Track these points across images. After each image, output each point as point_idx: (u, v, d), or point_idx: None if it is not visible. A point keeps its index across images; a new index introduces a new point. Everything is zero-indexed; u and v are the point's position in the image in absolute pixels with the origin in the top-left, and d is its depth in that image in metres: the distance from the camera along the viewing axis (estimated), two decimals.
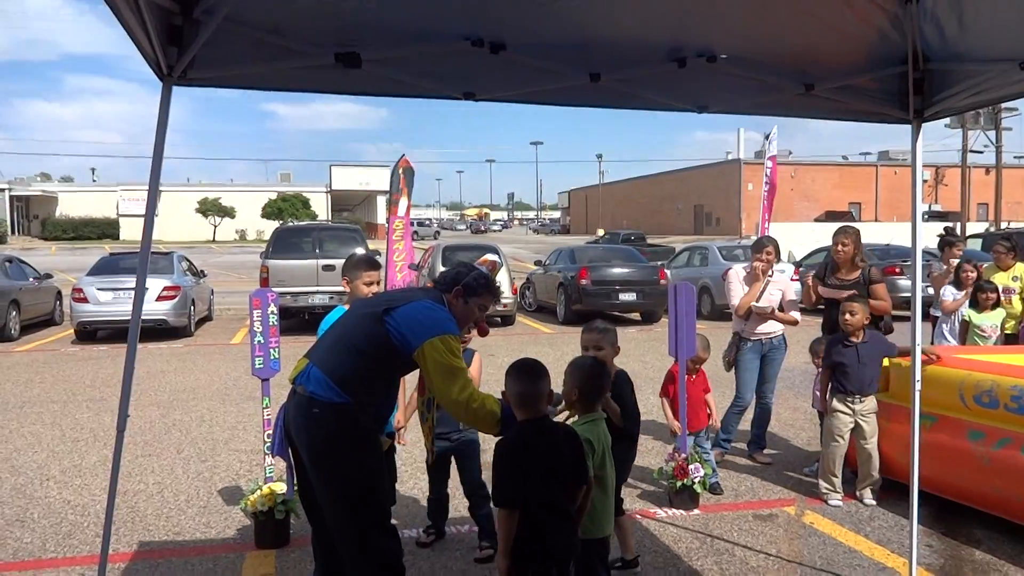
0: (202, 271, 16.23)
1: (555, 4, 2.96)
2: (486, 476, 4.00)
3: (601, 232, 51.69)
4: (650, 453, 6.29)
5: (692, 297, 5.15)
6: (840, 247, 5.75)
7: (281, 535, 4.46)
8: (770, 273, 6.03)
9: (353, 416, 2.97)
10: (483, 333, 3.97)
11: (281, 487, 4.31)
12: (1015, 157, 60.63)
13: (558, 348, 11.79)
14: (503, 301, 14.33)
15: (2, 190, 58.04)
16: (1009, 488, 4.33)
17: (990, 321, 6.70)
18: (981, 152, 41.80)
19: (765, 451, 6.16)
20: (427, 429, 3.45)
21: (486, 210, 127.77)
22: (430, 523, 4.55)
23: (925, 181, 54.96)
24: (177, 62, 2.90)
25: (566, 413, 3.17)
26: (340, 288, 4.36)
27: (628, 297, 14.95)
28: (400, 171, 9.25)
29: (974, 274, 7.10)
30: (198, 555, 4.41)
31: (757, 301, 5.92)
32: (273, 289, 5.31)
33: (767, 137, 12.08)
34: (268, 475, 4.49)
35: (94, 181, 74.14)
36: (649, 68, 3.51)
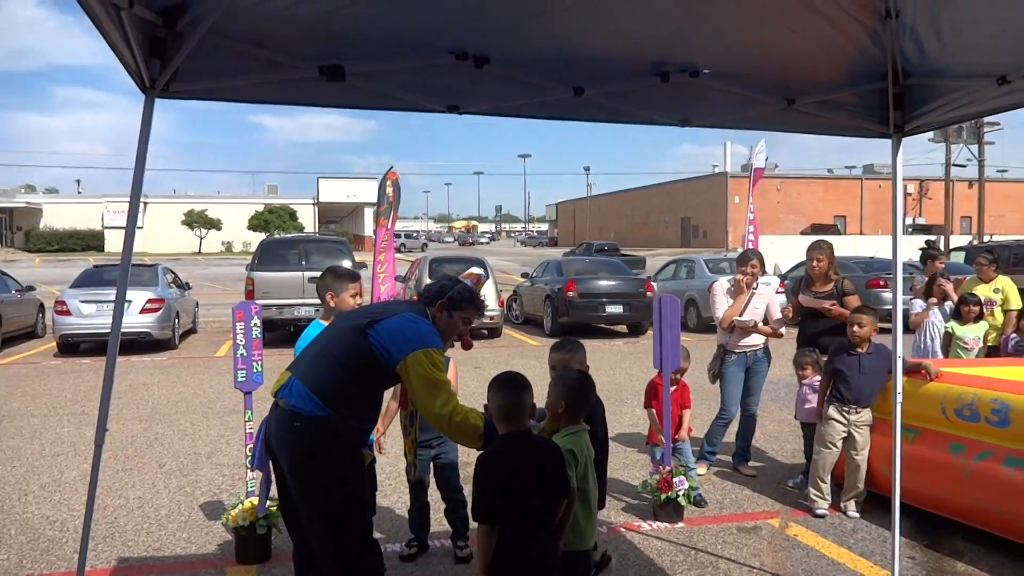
0: (187, 283, 16.12)
1: (539, 19, 2.98)
2: (465, 480, 3.99)
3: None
4: (634, 466, 6.29)
5: (677, 310, 5.16)
6: (815, 262, 5.84)
7: (263, 550, 4.42)
8: (755, 286, 6.07)
9: (335, 429, 2.95)
10: (467, 346, 3.96)
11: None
12: (997, 171, 61.43)
13: (545, 361, 11.71)
14: (490, 313, 14.32)
15: None
16: (990, 500, 4.35)
17: (972, 333, 6.76)
18: (964, 166, 42.30)
19: (750, 463, 6.16)
20: (409, 443, 3.44)
21: (474, 222, 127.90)
22: (412, 536, 4.53)
23: (909, 194, 55.52)
24: (160, 75, 2.90)
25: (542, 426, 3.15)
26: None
27: (615, 309, 14.98)
28: (388, 183, 9.26)
29: (949, 286, 7.18)
30: (178, 571, 4.36)
31: (741, 314, 5.95)
32: (258, 301, 5.28)
33: (753, 150, 12.19)
34: (250, 489, 4.45)
35: (79, 193, 73.71)
36: (633, 83, 3.54)
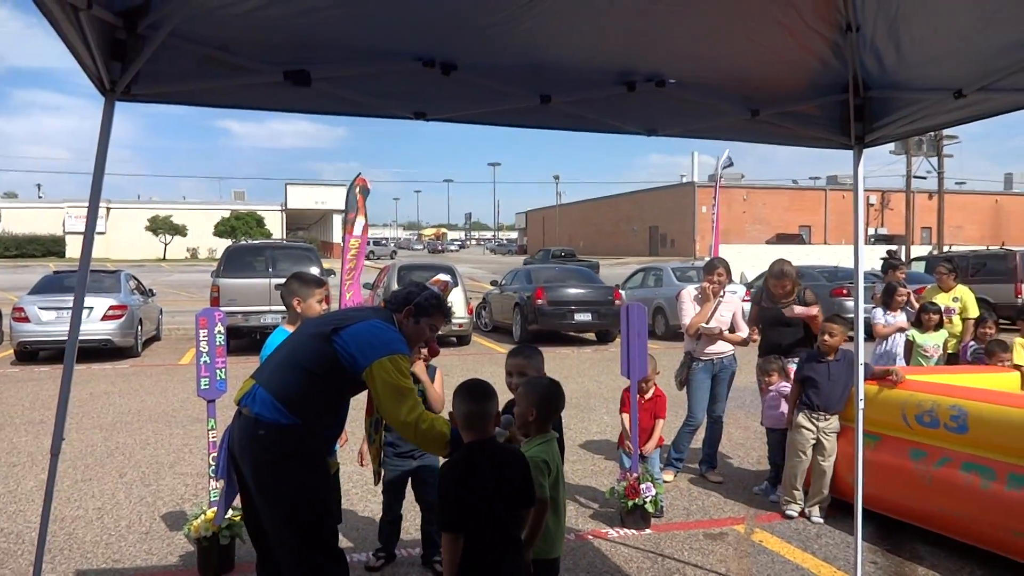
0: (151, 290, 15.86)
1: (506, 26, 2.99)
2: None
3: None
4: (602, 473, 6.30)
5: (644, 318, 5.19)
6: (780, 290, 5.91)
7: (225, 561, 4.34)
8: (721, 294, 6.12)
9: (300, 438, 2.92)
10: (434, 353, 3.93)
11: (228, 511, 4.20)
12: (956, 183, 62.84)
13: None
14: (459, 321, 14.28)
15: None
16: (950, 506, 4.43)
17: (932, 341, 6.89)
18: (924, 178, 43.21)
19: (716, 470, 6.21)
20: (374, 451, 3.41)
21: (443, 230, 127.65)
22: (380, 546, 4.48)
23: (872, 205, 56.59)
24: (120, 77, 2.85)
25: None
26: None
27: (583, 317, 15.04)
28: (356, 190, 9.21)
29: (905, 297, 7.29)
30: None
31: (707, 322, 6.01)
32: (224, 309, 5.21)
33: (719, 161, 12.34)
34: (213, 499, 4.38)
35: (40, 197, 72.18)
36: (599, 91, 3.55)
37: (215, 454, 4.19)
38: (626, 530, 4.99)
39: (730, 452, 6.91)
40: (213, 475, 4.26)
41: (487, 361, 12.94)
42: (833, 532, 4.94)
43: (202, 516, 4.26)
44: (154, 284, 18.90)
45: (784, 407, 5.54)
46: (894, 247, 20.81)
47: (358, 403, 3.26)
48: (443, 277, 3.79)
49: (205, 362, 4.42)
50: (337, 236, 56.74)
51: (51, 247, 58.71)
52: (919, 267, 19.12)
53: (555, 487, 2.96)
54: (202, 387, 4.43)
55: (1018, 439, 4.16)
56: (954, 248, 29.96)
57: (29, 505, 5.58)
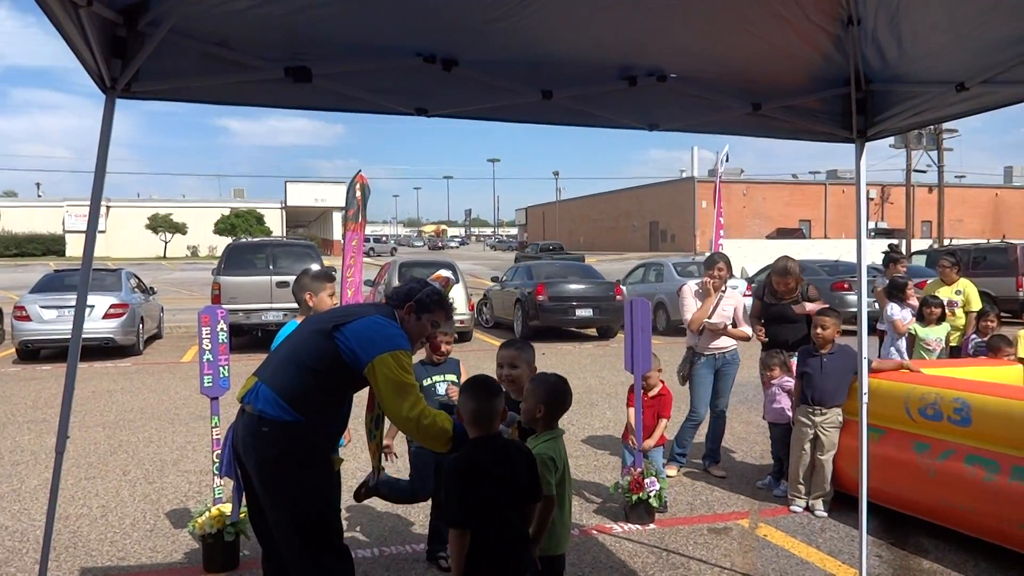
0: (152, 288, 15.86)
1: (507, 22, 2.98)
2: None
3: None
4: (606, 468, 6.30)
5: (647, 313, 5.19)
6: (783, 287, 5.92)
7: (230, 558, 4.34)
8: (723, 289, 6.12)
9: (303, 435, 2.92)
10: (435, 349, 3.93)
11: (230, 508, 4.20)
12: (956, 176, 62.78)
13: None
14: (460, 317, 14.27)
15: None
16: (954, 499, 4.43)
17: (935, 335, 6.89)
18: (924, 171, 43.13)
19: (719, 464, 6.21)
20: (374, 447, 3.40)
21: (443, 227, 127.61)
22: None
23: (872, 199, 56.52)
24: (121, 75, 2.84)
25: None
26: (294, 305, 4.28)
27: (585, 313, 15.03)
28: (356, 187, 9.20)
29: (914, 289, 7.31)
30: None
31: (710, 317, 6.00)
32: (225, 306, 5.21)
33: (719, 156, 12.33)
34: (217, 496, 4.38)
35: (39, 196, 72.19)
36: (601, 86, 3.55)
37: (219, 451, 4.20)
38: (630, 525, 4.99)
39: (733, 446, 6.91)
40: (217, 472, 4.26)
41: (488, 357, 12.91)
42: (838, 526, 4.94)
43: (207, 513, 4.27)
44: (155, 282, 18.90)
45: (785, 402, 5.55)
46: (895, 241, 20.80)
47: (361, 400, 3.26)
48: (444, 273, 3.77)
49: (208, 360, 4.42)
50: (337, 233, 56.76)
51: (51, 246, 58.74)
52: (920, 261, 19.11)
53: (561, 484, 2.96)
54: (205, 385, 4.43)
55: (1022, 432, 4.16)
56: (955, 241, 29.92)
57: (33, 503, 5.59)
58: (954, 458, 4.46)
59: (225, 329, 4.49)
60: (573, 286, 15.42)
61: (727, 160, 14.75)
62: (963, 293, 7.53)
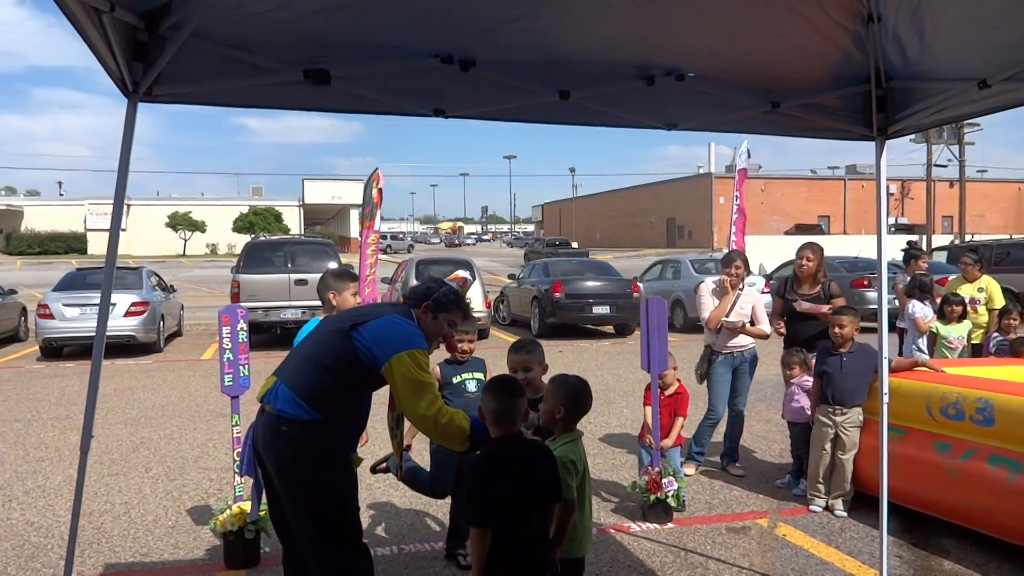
0: (172, 286, 16.01)
1: (524, 22, 2.98)
2: None
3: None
4: (623, 467, 6.30)
5: (664, 311, 5.17)
6: (805, 261, 5.89)
7: (251, 555, 4.39)
8: (740, 287, 6.09)
9: (322, 434, 2.94)
10: (452, 349, 3.95)
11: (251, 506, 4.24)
12: (977, 171, 62.00)
13: None
14: (476, 315, 14.30)
15: None
16: (975, 499, 4.39)
17: (956, 333, 6.81)
18: (945, 166, 42.70)
19: (738, 463, 6.19)
20: (395, 445, 3.42)
21: (460, 224, 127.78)
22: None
23: (892, 195, 55.98)
24: (143, 78, 2.88)
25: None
26: (312, 303, 4.30)
27: (601, 310, 15.01)
28: (374, 185, 9.24)
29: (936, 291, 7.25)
30: None
31: (728, 315, 5.98)
32: (244, 304, 5.25)
33: (737, 151, 12.24)
34: (238, 494, 4.43)
35: (61, 195, 73.05)
36: (618, 86, 3.54)
37: (239, 449, 4.24)
38: (648, 524, 4.98)
39: (752, 445, 6.88)
40: (238, 471, 4.30)
41: (504, 355, 12.94)
42: (858, 526, 4.91)
43: (228, 510, 4.31)
44: (175, 280, 19.07)
45: (804, 401, 5.51)
46: (915, 237, 20.60)
47: (380, 400, 3.28)
48: (462, 273, 3.79)
49: (228, 359, 4.46)
50: (354, 231, 56.99)
51: (73, 244, 59.41)
52: (940, 257, 18.91)
53: (581, 486, 2.96)
54: (226, 383, 4.47)
55: None
56: (976, 237, 29.58)
57: (58, 500, 5.67)
58: (976, 458, 4.41)
59: (245, 328, 4.53)
60: (590, 283, 15.40)
61: (748, 156, 14.65)
62: (986, 290, 7.44)
